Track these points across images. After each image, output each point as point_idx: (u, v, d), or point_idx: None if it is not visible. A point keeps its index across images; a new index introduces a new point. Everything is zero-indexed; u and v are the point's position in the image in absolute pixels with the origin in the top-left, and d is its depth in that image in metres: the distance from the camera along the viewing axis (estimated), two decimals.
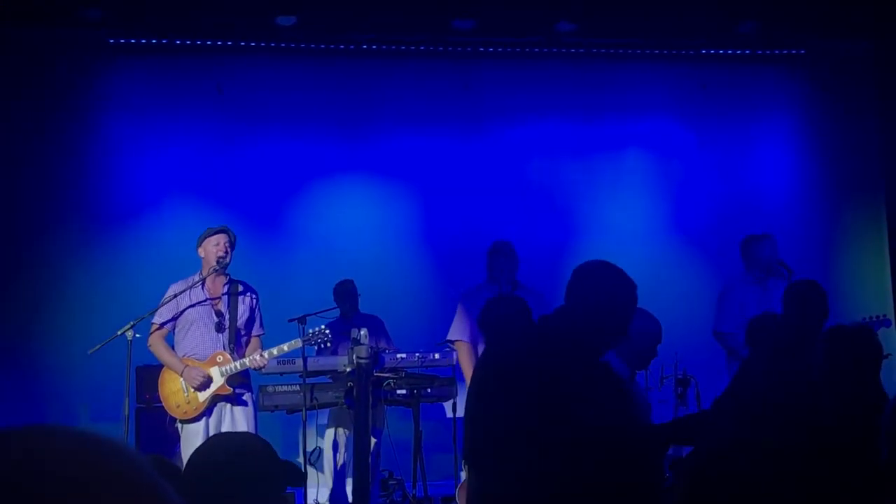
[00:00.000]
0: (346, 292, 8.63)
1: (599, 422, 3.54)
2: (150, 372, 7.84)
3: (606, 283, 3.83)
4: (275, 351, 7.00)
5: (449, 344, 7.68)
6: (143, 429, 8.14)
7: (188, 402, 6.89)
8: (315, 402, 7.51)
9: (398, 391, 7.51)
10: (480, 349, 7.13)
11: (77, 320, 9.18)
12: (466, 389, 4.98)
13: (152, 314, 7.02)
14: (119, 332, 6.79)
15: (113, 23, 9.06)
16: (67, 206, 9.68)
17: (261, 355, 6.93)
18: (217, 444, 2.72)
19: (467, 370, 7.31)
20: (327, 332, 7.16)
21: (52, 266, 9.56)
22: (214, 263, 6.96)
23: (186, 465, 2.60)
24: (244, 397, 7.00)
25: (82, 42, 9.51)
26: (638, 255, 9.77)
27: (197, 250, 7.13)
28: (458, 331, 7.57)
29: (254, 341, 7.15)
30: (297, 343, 7.06)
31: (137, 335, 6.83)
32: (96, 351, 6.88)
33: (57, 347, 9.21)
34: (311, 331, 7.14)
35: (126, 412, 6.78)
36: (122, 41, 9.61)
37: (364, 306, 8.67)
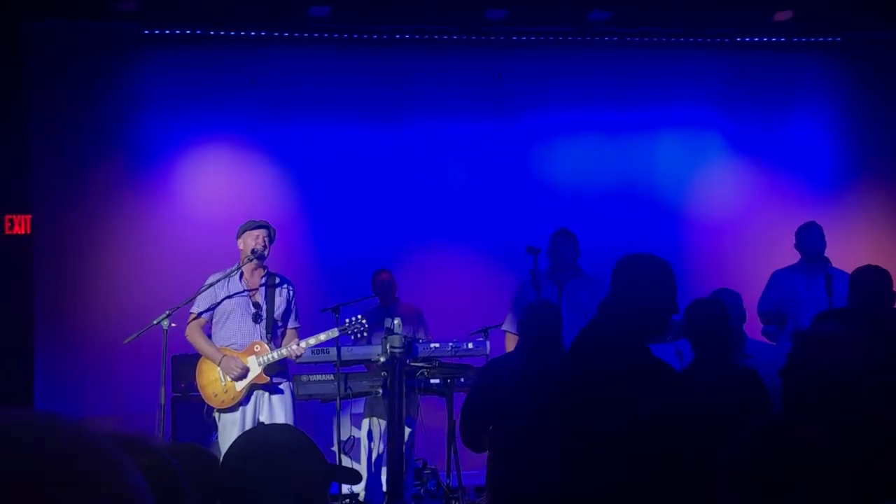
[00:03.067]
0: (381, 282, 8.65)
1: (652, 416, 3.64)
2: (185, 361, 7.85)
3: (649, 274, 3.95)
4: (312, 340, 7.01)
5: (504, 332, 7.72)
6: (179, 417, 8.16)
7: (225, 392, 6.90)
8: (349, 391, 7.55)
9: (432, 380, 7.51)
10: None
11: (114, 311, 9.18)
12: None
13: (188, 303, 7.02)
14: (154, 322, 6.80)
15: (148, 14, 9.10)
16: (102, 199, 9.69)
17: (297, 344, 6.96)
18: (255, 437, 2.71)
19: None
20: (364, 321, 7.16)
21: (89, 257, 9.61)
22: (250, 254, 6.97)
23: (224, 456, 2.58)
24: (281, 386, 7.01)
25: (117, 33, 9.54)
26: (670, 244, 9.71)
27: (237, 241, 7.13)
28: (508, 322, 7.57)
29: (290, 333, 7.15)
30: (333, 332, 7.09)
31: (173, 325, 6.83)
32: (132, 340, 6.87)
33: (95, 337, 9.21)
34: (347, 320, 7.15)
35: (162, 401, 6.80)
36: (157, 32, 9.64)
37: (401, 295, 8.74)
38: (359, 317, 7.18)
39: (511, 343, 7.47)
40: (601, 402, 3.72)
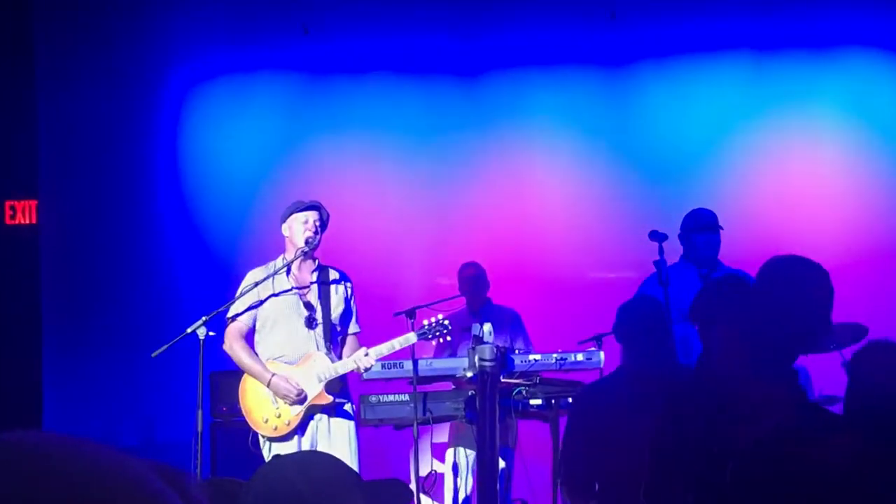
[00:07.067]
0: (468, 278, 8.26)
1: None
2: (226, 379, 7.60)
3: (800, 282, 3.92)
4: (384, 349, 6.57)
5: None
6: (220, 448, 7.97)
7: (278, 416, 6.51)
8: (429, 415, 7.23)
9: (532, 401, 7.16)
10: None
11: (137, 312, 9.01)
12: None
13: (228, 307, 6.65)
14: (189, 331, 6.44)
15: None
16: (122, 179, 9.43)
17: (366, 354, 6.50)
18: (282, 469, 2.61)
19: None
20: (446, 322, 6.75)
21: (106, 248, 9.32)
22: (302, 245, 6.58)
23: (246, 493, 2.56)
24: (345, 408, 6.65)
25: None
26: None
27: (280, 227, 6.74)
28: None
29: (350, 341, 6.77)
30: (410, 338, 6.67)
31: (211, 333, 6.49)
32: (162, 353, 6.53)
33: (114, 345, 8.95)
34: (426, 321, 6.76)
35: (199, 427, 6.49)
36: None
37: (493, 295, 8.36)
38: (440, 317, 6.78)
39: None
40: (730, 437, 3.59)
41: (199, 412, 6.49)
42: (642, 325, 5.28)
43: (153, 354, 6.53)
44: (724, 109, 9.67)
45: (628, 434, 4.69)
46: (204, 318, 6.45)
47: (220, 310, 6.58)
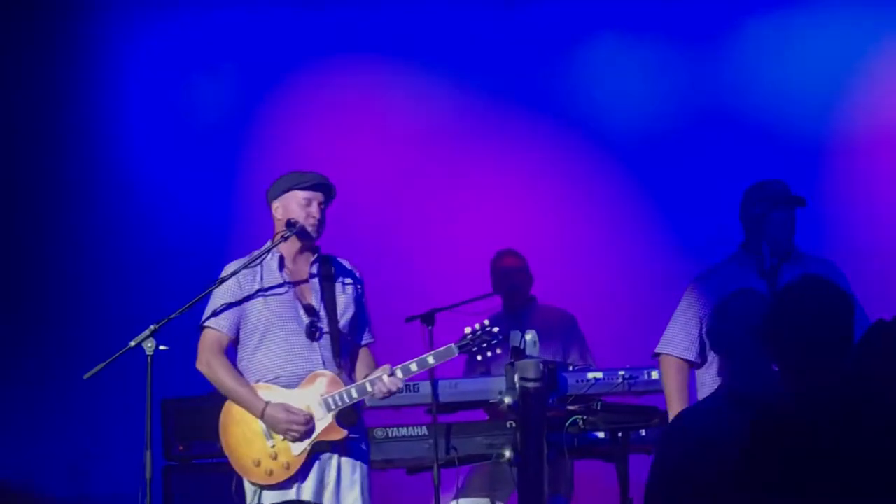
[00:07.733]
0: (508, 270, 7.54)
1: None
2: (183, 407, 7.20)
3: None
4: (414, 366, 5.73)
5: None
6: (176, 499, 7.23)
7: (274, 458, 5.67)
8: (454, 454, 6.60)
9: (593, 434, 6.62)
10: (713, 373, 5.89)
11: (62, 321, 8.51)
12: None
13: (186, 311, 5.80)
14: (132, 344, 5.70)
15: None
16: (44, 154, 8.77)
17: (391, 374, 5.64)
18: None
19: (671, 397, 6.02)
20: (495, 329, 5.80)
21: (21, 237, 8.76)
22: (286, 229, 5.77)
23: None
24: (360, 445, 5.92)
25: None
26: None
27: (270, 205, 5.86)
28: (668, 340, 6.04)
29: (363, 356, 5.90)
30: (450, 351, 5.78)
31: (162, 347, 5.72)
32: (96, 375, 5.74)
33: (32, 364, 8.43)
34: (469, 330, 5.79)
35: (148, 474, 5.73)
36: None
37: (539, 293, 7.66)
38: (486, 322, 5.82)
39: (670, 371, 6.07)
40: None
41: (148, 453, 5.74)
42: (747, 327, 4.30)
43: (85, 377, 5.77)
44: (834, 63, 8.88)
45: (746, 485, 3.70)
46: (152, 327, 5.65)
47: (173, 315, 5.71)
